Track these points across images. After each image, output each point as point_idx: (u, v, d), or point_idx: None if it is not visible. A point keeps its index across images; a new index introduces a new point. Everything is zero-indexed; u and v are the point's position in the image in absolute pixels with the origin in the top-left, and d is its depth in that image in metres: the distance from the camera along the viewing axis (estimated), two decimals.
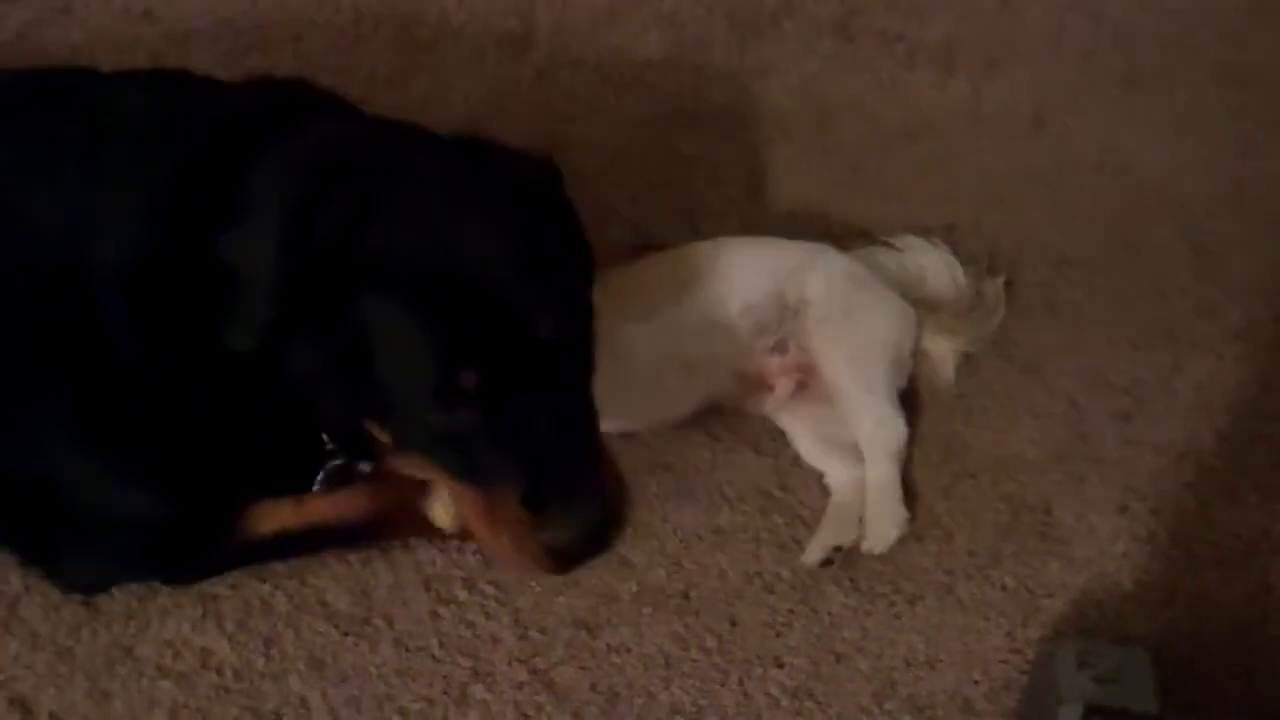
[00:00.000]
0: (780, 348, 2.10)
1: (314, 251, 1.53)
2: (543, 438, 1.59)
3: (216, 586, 1.87)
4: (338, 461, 1.83)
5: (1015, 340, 2.32)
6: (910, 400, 2.16)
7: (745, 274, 2.15)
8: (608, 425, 1.75)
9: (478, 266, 1.58)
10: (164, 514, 1.79)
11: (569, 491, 1.60)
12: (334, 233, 1.54)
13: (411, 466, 1.75)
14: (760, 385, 2.11)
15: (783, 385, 2.10)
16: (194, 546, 1.86)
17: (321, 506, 1.89)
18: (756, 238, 2.26)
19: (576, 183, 2.36)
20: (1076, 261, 2.49)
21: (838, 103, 2.76)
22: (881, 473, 2.00)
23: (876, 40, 2.88)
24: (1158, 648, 1.83)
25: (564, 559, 1.63)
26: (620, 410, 1.99)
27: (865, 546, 1.96)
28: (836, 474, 2.05)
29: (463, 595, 1.90)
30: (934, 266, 2.32)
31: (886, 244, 2.35)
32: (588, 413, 1.69)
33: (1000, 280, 2.37)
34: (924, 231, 2.44)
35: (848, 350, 2.06)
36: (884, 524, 1.97)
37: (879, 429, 2.03)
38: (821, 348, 2.06)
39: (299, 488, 1.86)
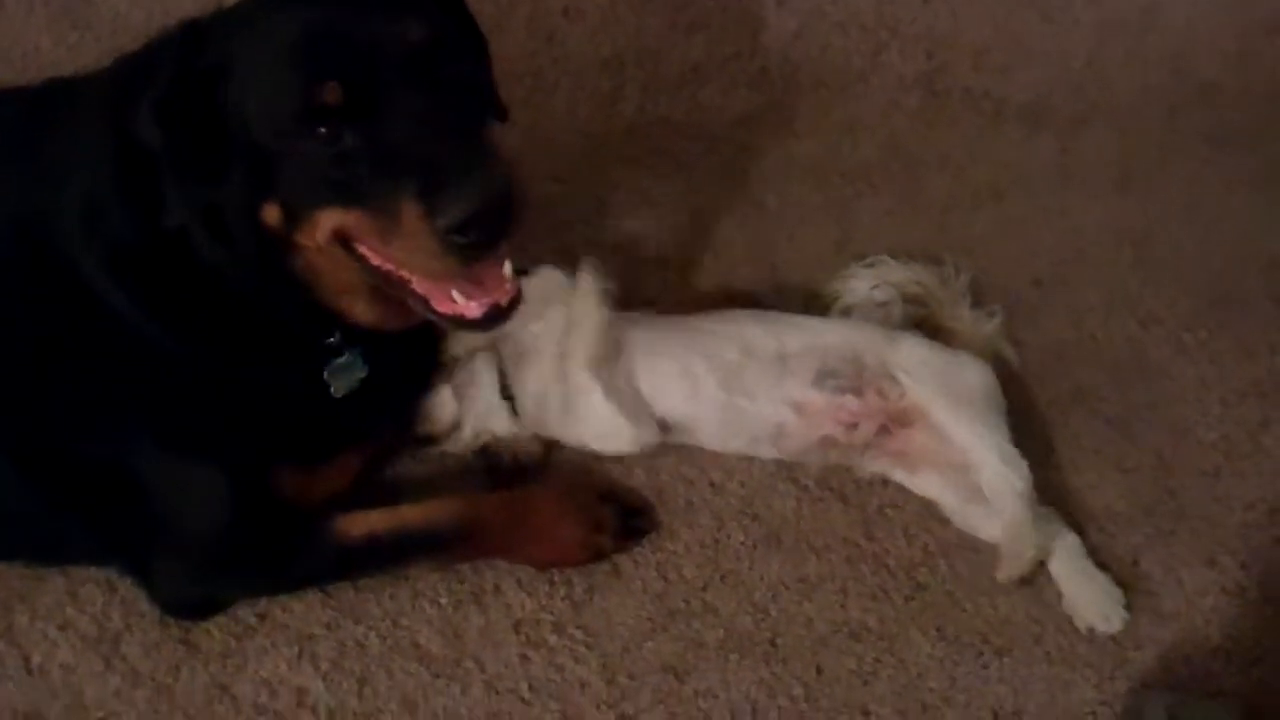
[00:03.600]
0: (855, 392, 2.11)
1: (174, 85, 1.65)
2: (425, 136, 1.62)
3: (311, 626, 1.91)
4: (343, 358, 1.91)
5: (1103, 395, 2.32)
6: None
7: (818, 325, 2.22)
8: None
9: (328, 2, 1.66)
10: (237, 497, 1.85)
11: (459, 169, 1.61)
12: (176, 66, 1.65)
13: (320, 236, 1.72)
14: (834, 423, 2.11)
15: (865, 425, 2.11)
16: (282, 550, 1.92)
17: (410, 513, 1.96)
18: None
19: (664, 232, 2.43)
20: (1164, 318, 2.48)
21: (925, 159, 2.80)
22: (1011, 511, 2.00)
23: (963, 97, 2.93)
24: (1248, 702, 1.83)
25: (467, 243, 1.62)
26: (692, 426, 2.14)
27: (1000, 574, 2.00)
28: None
29: (552, 639, 1.92)
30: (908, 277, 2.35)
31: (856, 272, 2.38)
32: (474, 111, 1.75)
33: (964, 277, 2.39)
34: (1010, 288, 2.47)
35: (955, 402, 2.08)
36: (1020, 551, 1.98)
37: (1004, 466, 2.02)
38: (930, 405, 2.08)
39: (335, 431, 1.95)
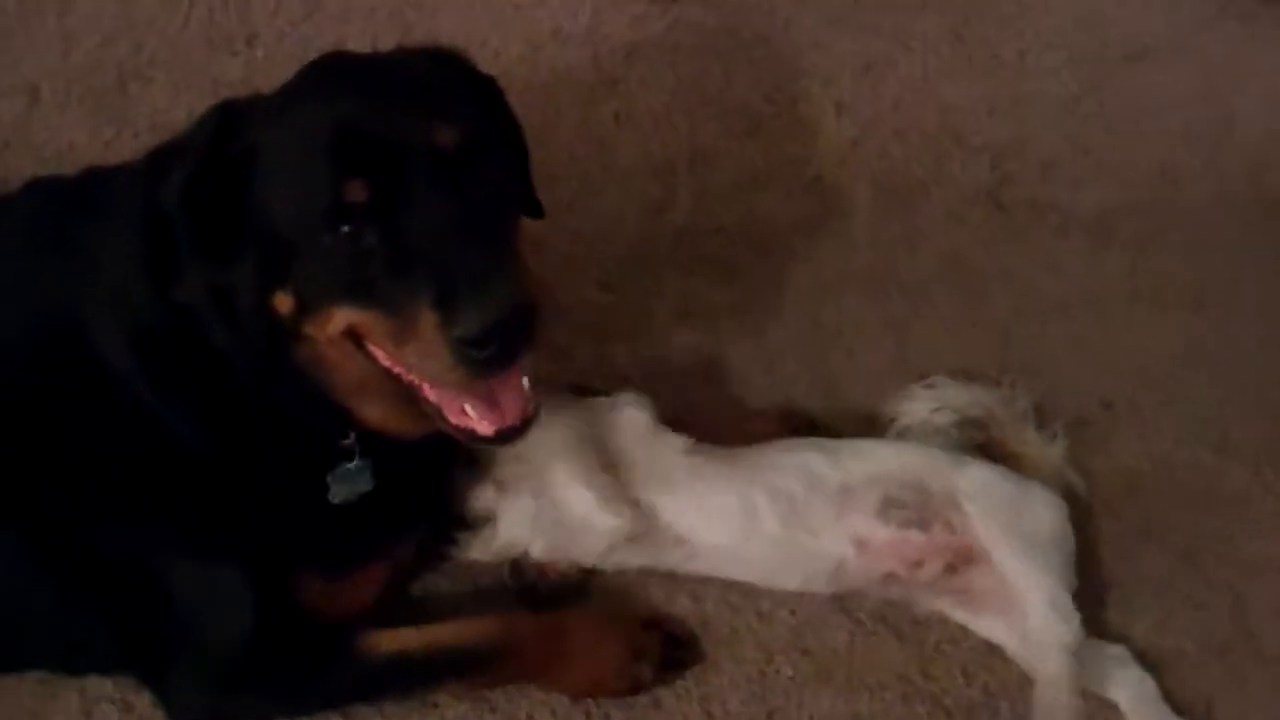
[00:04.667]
0: (921, 525, 2.11)
1: (201, 160, 1.72)
2: (447, 242, 1.65)
3: None
4: (352, 464, 1.92)
5: (1175, 527, 2.30)
6: None
7: (881, 449, 2.22)
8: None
9: (361, 94, 1.73)
10: (258, 604, 1.85)
11: (478, 279, 1.63)
12: (207, 144, 1.73)
13: (331, 330, 1.76)
14: (898, 560, 2.11)
15: (931, 562, 2.10)
16: (304, 664, 1.90)
17: (441, 631, 1.96)
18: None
19: (714, 344, 2.44)
20: (1241, 445, 2.47)
21: (988, 273, 2.80)
22: (1053, 667, 1.97)
23: (1029, 210, 2.94)
24: None
25: (482, 356, 1.64)
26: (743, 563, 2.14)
27: None
28: None
29: None
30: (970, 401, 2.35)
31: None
32: (501, 217, 1.79)
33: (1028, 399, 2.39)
34: (1077, 411, 2.47)
35: (1015, 535, 2.06)
36: (1055, 711, 1.94)
37: (1052, 614, 1.99)
38: (989, 536, 2.07)
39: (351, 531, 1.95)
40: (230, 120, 1.76)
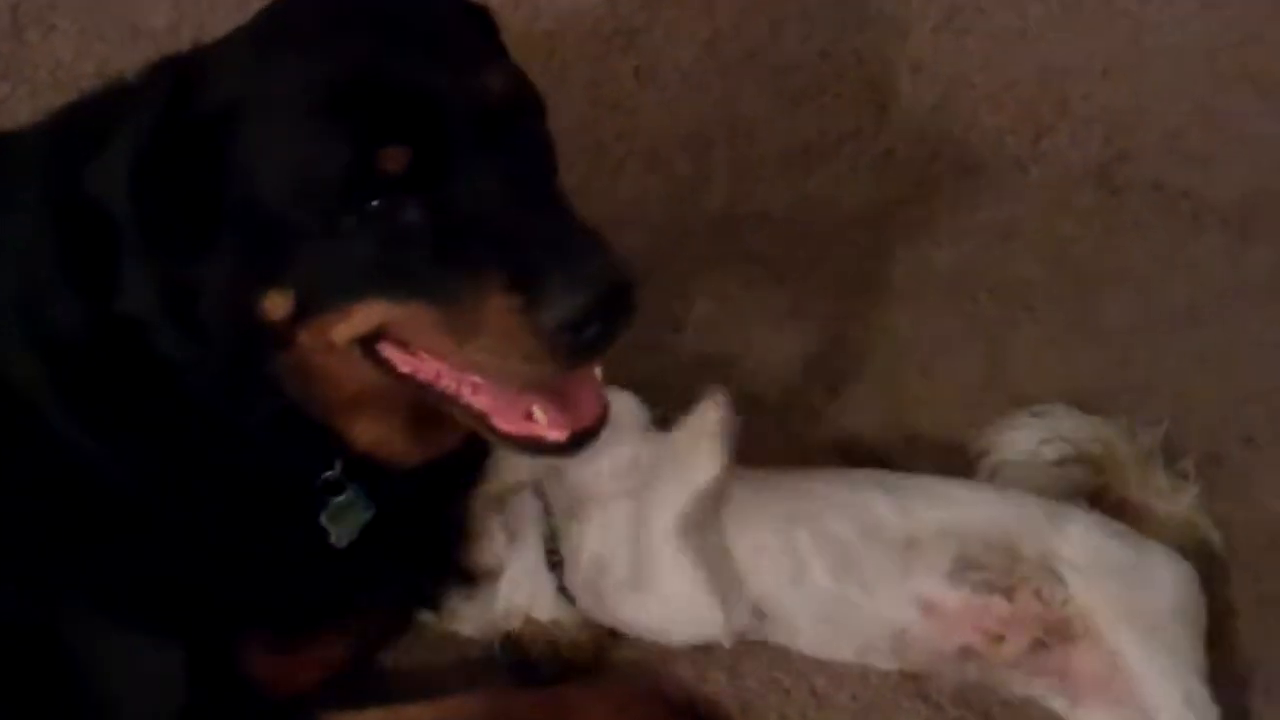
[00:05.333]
0: (1004, 590, 2.06)
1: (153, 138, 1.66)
2: (512, 211, 1.62)
3: None
4: (341, 498, 1.91)
5: None
6: None
7: (962, 494, 2.18)
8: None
9: (371, 34, 1.68)
10: (193, 679, 1.82)
11: (564, 250, 1.59)
12: (162, 110, 1.66)
13: (349, 332, 1.71)
14: (974, 631, 2.07)
15: (1014, 636, 2.05)
16: None
17: (417, 713, 1.92)
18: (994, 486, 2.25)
19: (759, 359, 2.42)
20: None
21: (1101, 273, 2.78)
22: None
23: (1151, 194, 2.93)
24: None
25: (580, 342, 1.59)
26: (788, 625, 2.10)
27: None
28: None
29: None
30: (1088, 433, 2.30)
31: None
32: (554, 180, 1.78)
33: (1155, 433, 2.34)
34: (1213, 446, 2.42)
35: (1134, 614, 2.00)
36: None
37: (1188, 711, 1.94)
38: (1099, 615, 2.01)
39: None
40: (186, 75, 1.68)
